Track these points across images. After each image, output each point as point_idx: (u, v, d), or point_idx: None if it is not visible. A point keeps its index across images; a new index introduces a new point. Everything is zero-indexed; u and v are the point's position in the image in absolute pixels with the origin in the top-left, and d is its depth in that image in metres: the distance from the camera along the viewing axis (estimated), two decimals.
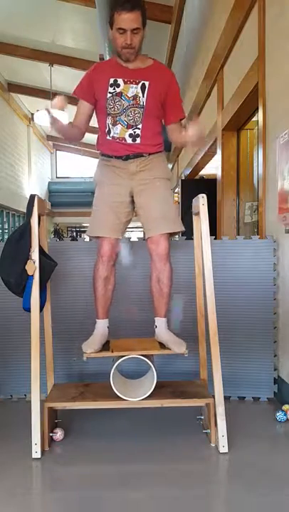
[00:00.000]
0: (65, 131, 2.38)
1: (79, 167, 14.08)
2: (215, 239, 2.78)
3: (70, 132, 2.42)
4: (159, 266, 2.35)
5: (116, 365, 2.26)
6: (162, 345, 2.33)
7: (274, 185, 2.80)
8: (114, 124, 2.31)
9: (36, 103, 10.14)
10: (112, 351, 2.28)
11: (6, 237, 9.38)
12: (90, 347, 2.29)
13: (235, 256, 2.82)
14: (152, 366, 2.26)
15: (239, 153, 4.35)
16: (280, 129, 2.70)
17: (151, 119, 2.32)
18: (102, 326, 2.40)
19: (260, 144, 3.08)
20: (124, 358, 2.25)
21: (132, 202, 2.38)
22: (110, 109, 2.31)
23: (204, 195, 2.24)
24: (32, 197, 2.20)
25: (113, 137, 2.33)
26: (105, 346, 2.35)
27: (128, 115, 2.30)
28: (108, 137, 2.34)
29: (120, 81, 2.29)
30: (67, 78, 8.05)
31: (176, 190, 7.33)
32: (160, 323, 2.39)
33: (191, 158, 6.41)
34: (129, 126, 2.31)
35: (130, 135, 2.31)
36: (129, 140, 2.31)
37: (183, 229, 2.39)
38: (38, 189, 12.28)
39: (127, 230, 2.51)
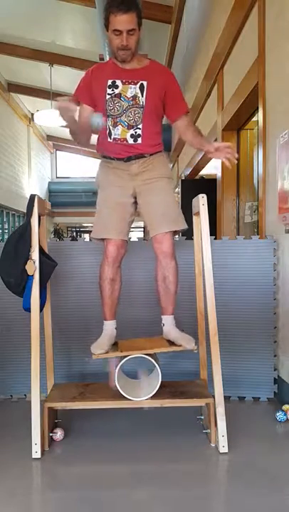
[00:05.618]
0: (78, 126, 2.32)
1: (79, 167, 14.07)
2: (215, 239, 2.78)
3: (84, 133, 2.37)
4: (164, 264, 2.34)
5: (121, 364, 2.26)
6: (170, 343, 2.33)
7: (274, 185, 2.80)
8: (115, 125, 2.31)
9: (36, 103, 10.14)
10: (121, 351, 2.28)
11: (6, 237, 9.37)
12: (100, 348, 2.29)
13: (235, 256, 2.82)
14: (157, 366, 2.26)
15: (239, 153, 4.34)
16: (280, 129, 2.70)
17: (152, 119, 2.32)
18: (110, 327, 2.39)
19: (260, 144, 3.08)
20: (128, 358, 2.25)
21: (135, 203, 2.38)
22: (110, 110, 2.30)
23: (204, 195, 2.24)
24: (32, 197, 2.20)
25: (114, 139, 2.32)
26: (113, 347, 2.34)
27: (128, 116, 2.29)
28: (109, 139, 2.33)
29: (118, 82, 2.29)
30: (67, 78, 8.05)
31: (176, 190, 7.33)
32: (167, 320, 2.38)
33: (191, 158, 6.40)
34: (129, 127, 2.30)
35: (131, 135, 2.31)
36: (131, 141, 2.31)
37: (186, 226, 2.38)
38: (38, 189, 12.27)
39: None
